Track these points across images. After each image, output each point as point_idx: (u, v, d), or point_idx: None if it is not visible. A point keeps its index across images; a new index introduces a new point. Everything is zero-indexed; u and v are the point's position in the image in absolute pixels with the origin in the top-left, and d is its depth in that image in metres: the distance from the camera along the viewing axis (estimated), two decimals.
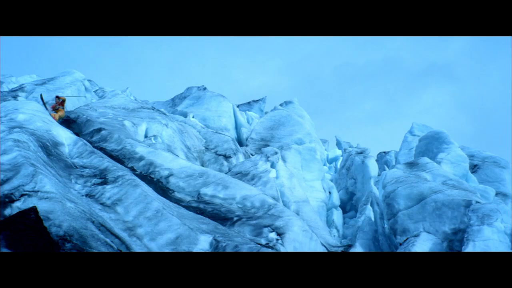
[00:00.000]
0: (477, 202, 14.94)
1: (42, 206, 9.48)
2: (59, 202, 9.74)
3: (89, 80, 32.32)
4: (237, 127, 32.61)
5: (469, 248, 12.96)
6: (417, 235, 14.75)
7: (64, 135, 15.99)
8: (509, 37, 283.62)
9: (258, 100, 43.31)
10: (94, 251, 8.53)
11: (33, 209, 9.02)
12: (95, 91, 33.31)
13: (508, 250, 13.13)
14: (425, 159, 19.74)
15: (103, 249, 8.92)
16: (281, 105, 35.32)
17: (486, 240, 13.19)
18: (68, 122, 18.93)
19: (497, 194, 22.52)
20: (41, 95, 22.14)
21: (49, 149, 14.26)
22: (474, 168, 26.37)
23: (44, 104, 20.25)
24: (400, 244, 15.03)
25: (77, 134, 17.53)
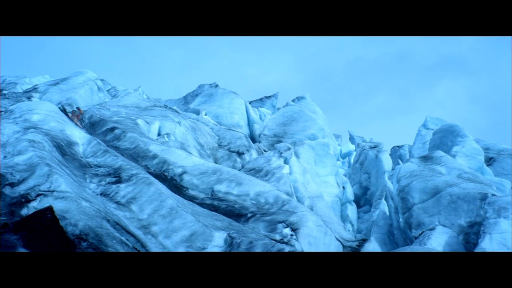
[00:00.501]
0: (493, 195, 14.79)
1: (58, 206, 9.56)
2: (74, 202, 9.82)
3: (101, 80, 32.48)
4: (249, 123, 32.58)
5: (486, 240, 12.84)
6: (432, 229, 14.65)
7: (78, 135, 16.12)
8: None
9: (270, 96, 43.21)
10: (110, 249, 8.59)
11: (49, 209, 9.10)
12: (107, 90, 33.47)
13: None
14: (440, 153, 19.58)
15: (119, 247, 8.99)
16: (293, 101, 35.20)
17: (503, 232, 13.06)
18: (81, 121, 19.06)
19: None
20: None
21: (64, 148, 14.38)
22: (489, 161, 26.12)
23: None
24: (416, 238, 14.95)
25: (90, 133, 17.65)
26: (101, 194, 12.38)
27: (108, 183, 13.08)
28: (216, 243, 10.91)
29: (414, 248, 12.65)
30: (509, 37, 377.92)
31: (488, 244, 12.75)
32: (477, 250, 12.68)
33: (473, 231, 14.15)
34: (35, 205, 9.63)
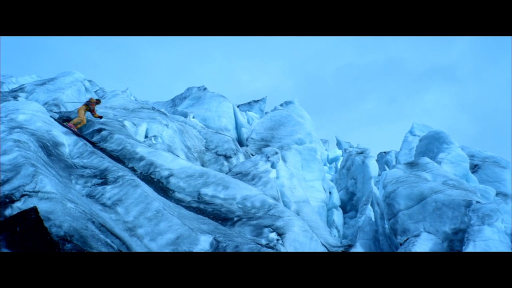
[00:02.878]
0: (477, 202, 14.93)
1: (43, 207, 9.47)
2: (59, 203, 9.74)
3: (89, 81, 32.37)
4: (237, 127, 32.59)
5: (470, 248, 12.95)
6: (417, 235, 14.74)
7: (64, 135, 16.01)
8: (508, 40, 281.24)
9: (258, 101, 43.31)
10: (95, 251, 8.53)
11: (34, 210, 9.01)
12: (95, 91, 33.33)
13: (508, 250, 13.12)
14: (426, 159, 19.73)
15: (104, 249, 8.92)
16: (281, 105, 35.33)
17: (487, 240, 13.17)
18: (68, 122, 18.93)
19: (497, 194, 22.54)
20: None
21: (50, 149, 14.27)
22: (474, 168, 26.38)
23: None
24: (401, 244, 15.02)
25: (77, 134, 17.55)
26: (87, 195, 12.29)
27: (94, 184, 12.99)
28: (202, 246, 10.88)
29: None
30: (498, 48, 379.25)
31: (472, 251, 12.86)
32: None
33: (457, 238, 14.25)
34: (19, 206, 9.53)
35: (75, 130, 17.33)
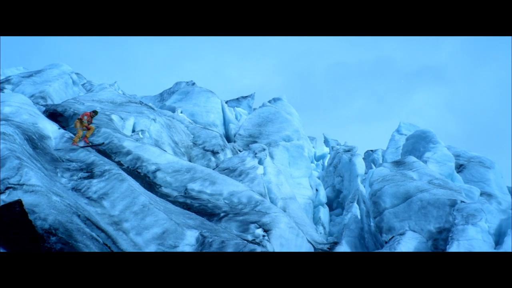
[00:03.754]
0: (462, 201, 15.07)
1: (27, 200, 9.40)
2: (44, 196, 9.67)
3: (76, 74, 32.06)
4: (225, 123, 32.54)
5: (454, 247, 13.08)
6: (402, 234, 14.84)
7: (51, 128, 15.88)
8: (499, 42, 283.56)
9: (246, 97, 43.24)
10: (80, 244, 8.49)
11: (18, 202, 8.94)
12: (82, 85, 33.07)
13: (491, 249, 13.26)
14: (412, 158, 19.86)
15: (89, 242, 8.88)
16: (269, 102, 35.30)
17: (470, 239, 13.31)
18: (55, 115, 18.75)
19: (481, 194, 22.75)
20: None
21: (35, 142, 14.14)
22: (459, 167, 26.59)
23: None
24: (386, 242, 15.11)
25: (63, 127, 17.38)
26: (73, 189, 12.21)
27: (80, 178, 12.91)
28: (188, 241, 10.87)
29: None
30: (487, 50, 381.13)
31: (456, 250, 12.98)
32: None
33: (441, 237, 14.38)
34: (3, 198, 9.45)
35: (87, 143, 16.04)
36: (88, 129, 16.81)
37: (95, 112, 17.85)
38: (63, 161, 13.94)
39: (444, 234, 14.39)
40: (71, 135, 15.94)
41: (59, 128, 16.36)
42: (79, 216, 9.85)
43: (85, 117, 16.81)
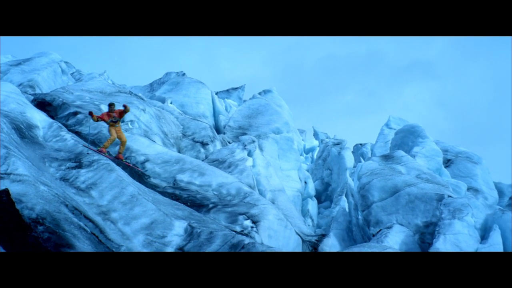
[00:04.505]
0: (449, 196, 15.20)
1: (15, 189, 9.33)
2: (32, 185, 9.61)
3: (66, 62, 31.78)
4: (215, 114, 32.44)
5: (440, 241, 13.21)
6: (390, 227, 14.97)
7: (39, 118, 15.75)
8: (488, 39, 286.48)
9: (237, 88, 43.11)
10: (68, 234, 8.46)
11: (5, 192, 8.88)
12: (71, 74, 32.82)
13: (477, 244, 13.41)
14: (400, 152, 19.98)
15: (77, 232, 8.86)
16: (260, 93, 35.21)
17: (457, 234, 13.45)
18: (43, 104, 18.62)
19: (468, 189, 22.96)
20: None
21: (23, 131, 14.04)
22: (447, 162, 26.80)
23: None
24: (373, 235, 15.24)
25: (52, 117, 17.27)
26: (61, 178, 12.14)
27: (68, 168, 12.84)
28: (176, 232, 10.88)
29: (372, 245, 12.89)
30: (476, 45, 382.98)
31: (442, 244, 13.12)
32: (431, 250, 13.05)
33: (428, 231, 14.52)
34: None
35: (121, 159, 14.63)
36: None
37: (125, 109, 14.97)
38: (51, 151, 13.85)
39: (431, 228, 14.53)
40: (59, 124, 15.82)
41: (47, 118, 16.24)
42: (67, 205, 9.81)
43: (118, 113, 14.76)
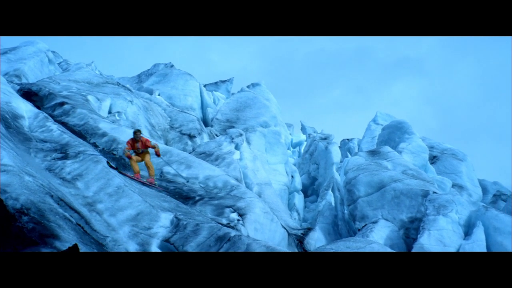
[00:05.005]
0: (434, 192, 15.32)
1: None
2: (17, 175, 9.53)
3: (53, 52, 31.47)
4: (203, 107, 32.38)
5: (424, 236, 13.33)
6: (375, 222, 15.06)
7: (25, 108, 15.60)
8: (476, 39, 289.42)
9: (225, 81, 43.00)
10: (53, 224, 8.41)
11: None
12: (58, 64, 32.49)
13: (460, 240, 13.54)
14: (387, 148, 20.08)
15: (62, 223, 8.81)
16: (248, 87, 35.19)
17: (441, 229, 13.57)
18: (29, 94, 18.44)
19: (453, 185, 23.20)
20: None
21: (8, 121, 13.90)
22: (433, 159, 27.03)
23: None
24: (359, 230, 15.33)
25: (38, 107, 17.11)
26: (46, 169, 12.06)
27: (54, 158, 12.75)
28: (162, 223, 10.87)
29: (357, 240, 12.96)
30: (464, 44, 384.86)
31: (426, 240, 13.24)
32: (416, 245, 13.16)
33: (413, 226, 14.63)
34: None
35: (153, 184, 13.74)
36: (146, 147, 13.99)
37: (136, 132, 14.06)
38: (36, 142, 13.74)
39: (415, 223, 14.64)
40: (45, 115, 15.68)
41: (33, 108, 16.09)
42: (52, 196, 9.74)
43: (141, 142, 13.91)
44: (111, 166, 12.46)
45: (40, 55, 27.21)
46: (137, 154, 14.04)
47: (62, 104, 17.87)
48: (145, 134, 18.73)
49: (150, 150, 14.33)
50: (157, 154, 14.18)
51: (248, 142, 24.08)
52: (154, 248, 10.18)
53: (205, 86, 39.39)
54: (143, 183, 13.20)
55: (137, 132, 14.05)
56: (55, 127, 14.70)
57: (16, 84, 20.41)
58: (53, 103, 18.11)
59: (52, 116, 16.57)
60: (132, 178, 13.02)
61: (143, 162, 14.10)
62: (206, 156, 19.58)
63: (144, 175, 14.00)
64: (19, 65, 24.36)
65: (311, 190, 29.35)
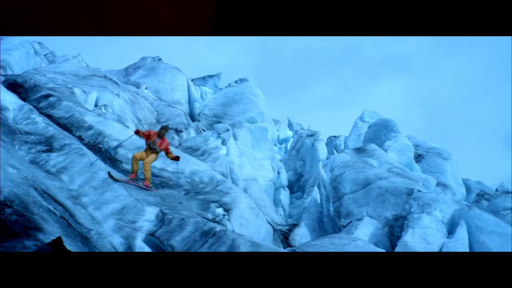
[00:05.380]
0: (418, 190, 15.46)
1: None
2: (0, 168, 9.44)
3: (39, 43, 31.09)
4: (190, 101, 32.26)
5: (408, 234, 13.46)
6: (360, 219, 15.16)
7: (9, 100, 15.41)
8: (463, 39, 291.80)
9: (213, 76, 42.81)
10: (36, 217, 8.34)
11: None
12: (45, 55, 32.13)
13: (444, 238, 13.69)
14: (373, 146, 20.20)
15: (46, 215, 8.74)
16: (235, 82, 35.08)
17: (425, 228, 13.72)
18: (14, 86, 18.22)
19: (437, 184, 23.39)
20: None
21: None
22: (418, 157, 27.22)
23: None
24: (344, 227, 15.42)
25: (23, 99, 16.92)
26: (30, 162, 11.96)
27: (39, 151, 12.64)
28: (148, 217, 10.84)
29: (342, 236, 13.03)
30: (451, 44, 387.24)
31: (410, 237, 13.38)
32: (400, 243, 13.29)
33: (397, 224, 14.76)
34: None
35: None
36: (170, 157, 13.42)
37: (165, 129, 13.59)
38: (21, 134, 13.61)
39: (400, 221, 14.77)
40: (30, 107, 15.51)
41: (18, 99, 15.90)
42: (36, 189, 9.66)
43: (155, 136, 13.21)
44: (112, 177, 11.95)
45: (26, 46, 26.87)
46: (147, 148, 13.34)
47: (47, 96, 17.69)
48: (131, 127, 18.62)
49: (161, 153, 13.51)
50: (176, 159, 13.37)
51: (235, 138, 24.05)
52: (139, 241, 10.16)
53: (192, 80, 39.20)
54: (139, 187, 12.72)
55: (166, 129, 13.55)
56: (40, 120, 14.56)
57: (1, 75, 20.17)
58: (38, 95, 17.91)
59: (37, 109, 16.39)
60: (127, 183, 12.46)
61: (142, 162, 13.23)
62: (192, 151, 19.55)
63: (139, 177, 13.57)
64: (4, 56, 24.04)
65: (297, 186, 29.40)
